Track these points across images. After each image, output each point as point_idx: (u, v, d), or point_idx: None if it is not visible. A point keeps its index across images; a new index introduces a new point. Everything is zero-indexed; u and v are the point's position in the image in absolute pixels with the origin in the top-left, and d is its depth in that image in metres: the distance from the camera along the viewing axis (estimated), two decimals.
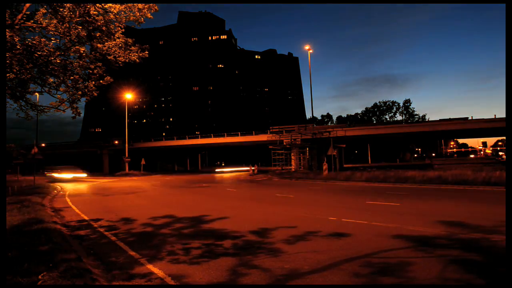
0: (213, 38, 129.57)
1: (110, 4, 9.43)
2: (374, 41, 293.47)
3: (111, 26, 9.69)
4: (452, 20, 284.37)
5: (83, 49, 9.83)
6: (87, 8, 8.94)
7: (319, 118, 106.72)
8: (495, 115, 39.30)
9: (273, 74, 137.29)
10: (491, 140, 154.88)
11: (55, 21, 9.00)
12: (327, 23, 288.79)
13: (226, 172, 57.55)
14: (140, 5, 9.77)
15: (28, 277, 4.65)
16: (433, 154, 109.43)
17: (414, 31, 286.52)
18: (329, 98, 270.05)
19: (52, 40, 9.64)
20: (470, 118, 42.21)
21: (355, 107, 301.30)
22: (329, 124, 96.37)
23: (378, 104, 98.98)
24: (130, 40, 10.30)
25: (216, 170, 62.46)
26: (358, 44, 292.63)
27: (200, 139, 60.64)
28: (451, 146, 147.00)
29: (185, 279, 5.15)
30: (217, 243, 7.25)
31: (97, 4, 9.14)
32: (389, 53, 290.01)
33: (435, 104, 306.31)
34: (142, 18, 9.91)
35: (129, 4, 9.69)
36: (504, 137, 78.07)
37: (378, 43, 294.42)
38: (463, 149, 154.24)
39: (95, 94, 10.53)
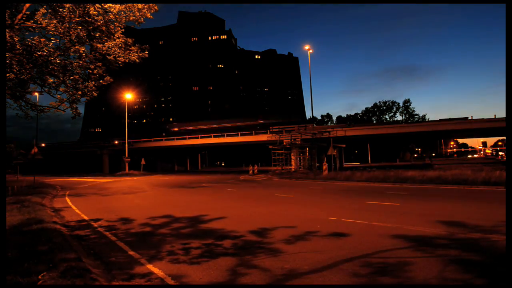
0: (213, 38, 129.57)
1: (110, 4, 9.44)
2: (394, 23, 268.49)
3: (111, 26, 9.70)
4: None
5: (83, 49, 9.84)
6: (87, 8, 8.95)
7: (319, 118, 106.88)
8: (495, 115, 39.35)
9: (273, 74, 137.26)
10: (491, 140, 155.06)
11: (55, 21, 9.01)
12: (334, 13, 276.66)
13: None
14: (140, 5, 9.78)
15: (28, 277, 4.65)
16: (433, 154, 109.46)
17: (441, 10, 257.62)
18: (340, 94, 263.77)
19: (52, 40, 9.65)
20: (470, 118, 42.22)
21: (368, 104, 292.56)
22: (329, 124, 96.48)
23: (378, 104, 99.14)
24: (130, 40, 10.31)
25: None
26: (374, 27, 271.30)
27: (200, 139, 60.59)
28: (451, 146, 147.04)
29: (185, 279, 5.15)
30: (216, 243, 7.25)
31: (97, 4, 9.15)
32: (411, 38, 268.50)
33: (459, 97, 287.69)
34: (142, 18, 9.92)
35: (129, 4, 9.70)
36: (504, 137, 78.06)
37: (398, 25, 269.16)
38: (463, 149, 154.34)
39: (95, 94, 10.54)
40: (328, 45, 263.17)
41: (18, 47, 8.94)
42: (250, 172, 45.11)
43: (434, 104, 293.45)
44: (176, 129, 61.84)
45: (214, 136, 57.96)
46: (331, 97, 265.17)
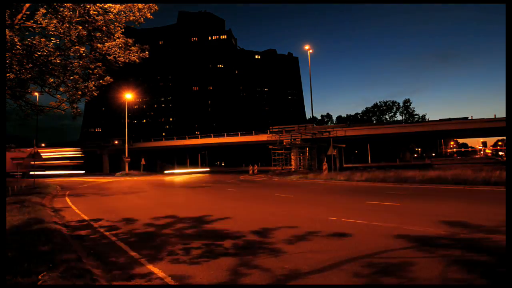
0: (213, 38, 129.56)
1: (110, 4, 9.42)
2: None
3: (111, 26, 9.70)
4: None
5: (83, 49, 9.83)
6: (87, 8, 8.94)
7: (319, 118, 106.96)
8: (495, 115, 39.33)
9: (273, 74, 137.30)
10: (491, 140, 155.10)
11: (55, 21, 9.00)
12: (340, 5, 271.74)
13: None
14: (140, 5, 9.77)
15: (28, 277, 4.64)
16: (433, 154, 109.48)
17: None
18: (351, 89, 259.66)
19: (52, 40, 9.64)
20: (470, 118, 42.23)
21: (380, 98, 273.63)
22: (329, 124, 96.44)
23: (378, 104, 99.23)
24: (130, 40, 10.30)
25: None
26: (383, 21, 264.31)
27: (200, 139, 60.63)
28: (451, 146, 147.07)
29: (185, 279, 5.14)
30: (217, 243, 7.24)
31: (97, 4, 9.14)
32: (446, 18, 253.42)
33: (461, 96, 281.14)
34: (142, 18, 9.92)
35: (129, 4, 9.70)
36: (504, 137, 78.07)
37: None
38: (463, 149, 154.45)
39: (95, 94, 10.54)
40: (333, 40, 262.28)
41: (18, 47, 8.92)
42: (250, 172, 45.12)
43: (445, 100, 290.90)
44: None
45: (214, 136, 57.99)
46: (340, 94, 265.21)
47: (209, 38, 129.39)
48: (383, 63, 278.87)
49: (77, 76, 10.26)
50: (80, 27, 9.23)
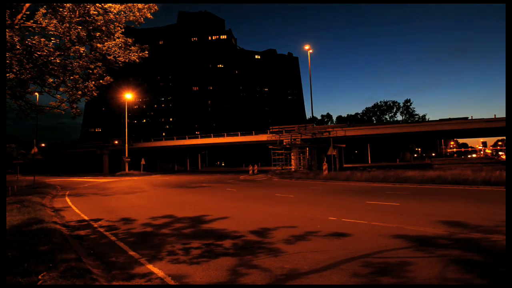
0: (213, 38, 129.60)
1: (110, 4, 9.44)
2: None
3: (111, 26, 9.71)
4: None
5: (83, 49, 9.83)
6: (87, 8, 8.95)
7: (319, 118, 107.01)
8: (495, 115, 39.26)
9: (273, 74, 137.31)
10: (491, 140, 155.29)
11: (55, 21, 9.01)
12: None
13: None
14: (140, 5, 9.79)
15: (28, 277, 4.65)
16: (433, 154, 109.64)
17: None
18: (357, 87, 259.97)
19: (52, 40, 9.65)
20: (470, 118, 42.19)
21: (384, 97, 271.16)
22: (329, 124, 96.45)
23: (379, 104, 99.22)
24: (130, 40, 10.31)
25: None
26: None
27: (200, 139, 60.59)
28: (451, 146, 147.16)
29: (185, 279, 5.15)
30: (217, 243, 7.25)
31: (97, 4, 9.15)
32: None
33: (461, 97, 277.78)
34: (142, 18, 9.93)
35: (129, 4, 9.71)
36: (504, 137, 78.07)
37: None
38: (463, 149, 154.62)
39: (95, 94, 10.55)
40: (333, 40, 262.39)
41: (18, 47, 8.93)
42: (250, 172, 45.11)
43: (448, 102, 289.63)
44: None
45: (214, 136, 57.96)
46: (340, 94, 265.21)
47: (209, 38, 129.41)
48: (383, 63, 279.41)
49: (77, 76, 10.27)
50: (80, 27, 9.24)
